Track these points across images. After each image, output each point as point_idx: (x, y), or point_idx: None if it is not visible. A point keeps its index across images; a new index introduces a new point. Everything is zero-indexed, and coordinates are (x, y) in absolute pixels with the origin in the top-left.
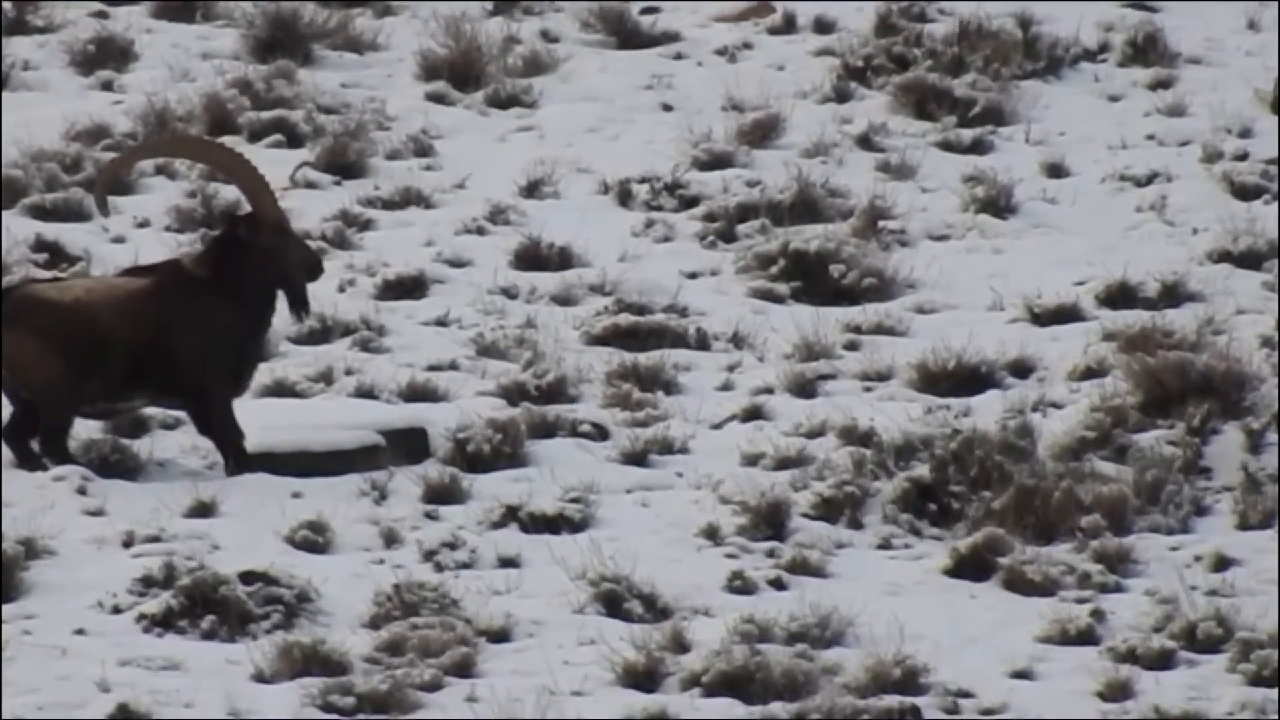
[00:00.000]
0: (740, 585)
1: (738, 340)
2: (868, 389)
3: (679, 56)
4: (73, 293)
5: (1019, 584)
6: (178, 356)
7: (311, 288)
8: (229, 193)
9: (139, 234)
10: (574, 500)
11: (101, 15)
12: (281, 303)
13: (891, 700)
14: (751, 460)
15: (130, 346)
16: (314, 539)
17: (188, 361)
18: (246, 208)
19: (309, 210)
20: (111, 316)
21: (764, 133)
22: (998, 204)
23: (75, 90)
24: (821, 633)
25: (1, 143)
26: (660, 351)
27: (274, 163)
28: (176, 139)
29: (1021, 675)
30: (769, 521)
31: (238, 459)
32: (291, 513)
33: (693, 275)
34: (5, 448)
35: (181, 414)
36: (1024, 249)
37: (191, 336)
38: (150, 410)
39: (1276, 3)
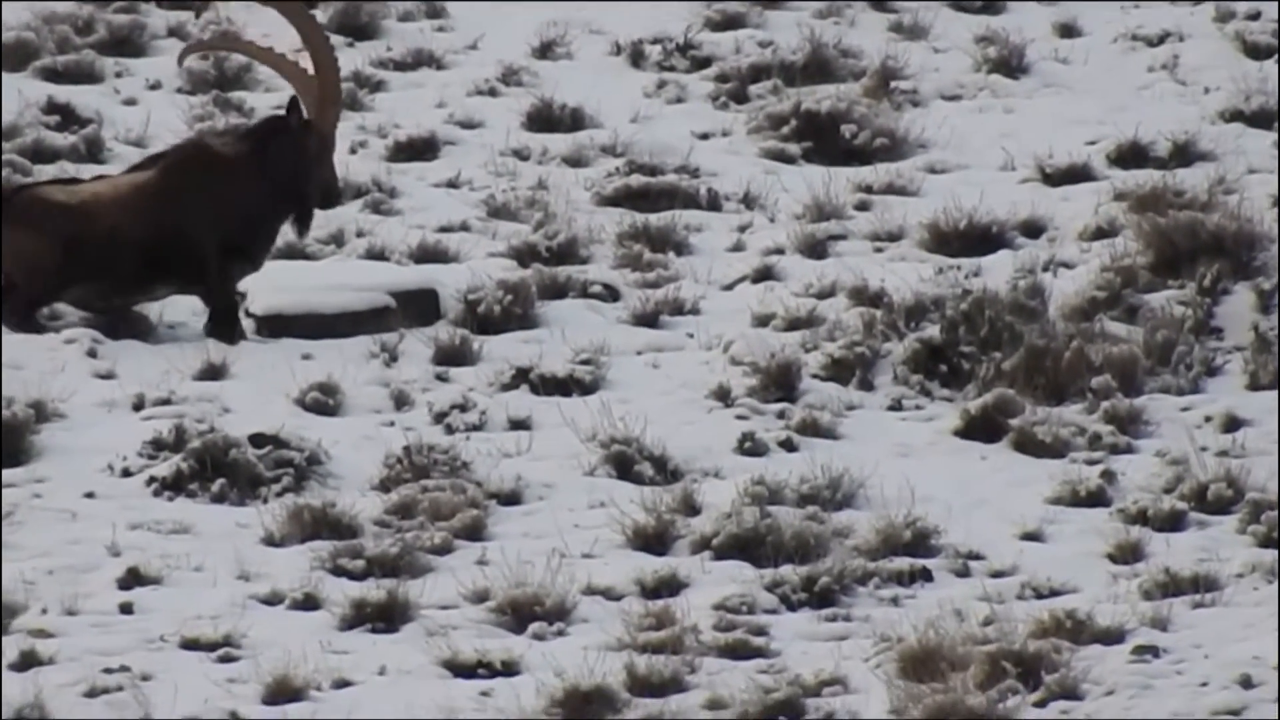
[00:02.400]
0: (751, 447)
1: (749, 201)
2: (878, 249)
3: None
4: (80, 195)
5: (1029, 445)
6: (191, 237)
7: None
8: (240, 55)
9: (151, 96)
10: (584, 362)
11: None
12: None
13: (902, 562)
14: (762, 321)
15: (141, 243)
16: (324, 401)
17: (201, 238)
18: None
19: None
20: (120, 216)
21: None
22: (1009, 64)
23: None
24: (832, 495)
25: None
26: (671, 212)
27: (287, 25)
28: (298, 13)
29: (1032, 537)
30: (779, 383)
31: (232, 334)
32: (302, 375)
33: (704, 136)
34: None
35: None
36: (1036, 109)
37: (207, 212)
38: None
39: None
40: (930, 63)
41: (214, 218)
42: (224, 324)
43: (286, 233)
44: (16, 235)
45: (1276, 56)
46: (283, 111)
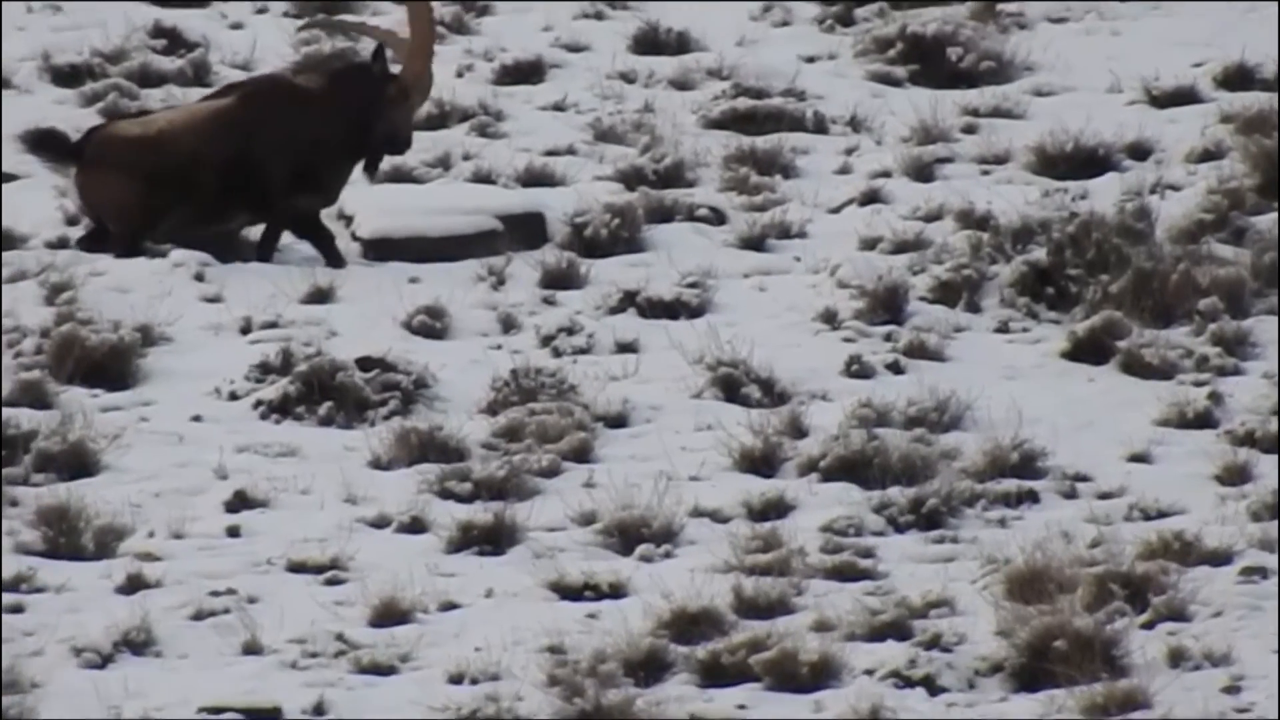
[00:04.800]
0: (858, 369)
1: (855, 124)
2: (985, 172)
3: None
4: (156, 125)
5: (1136, 367)
6: (264, 165)
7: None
8: None
9: (257, 20)
10: (691, 285)
11: None
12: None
13: (1009, 484)
14: (869, 244)
15: (218, 170)
16: (431, 324)
17: (273, 167)
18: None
19: None
20: (196, 141)
21: None
22: None
23: None
24: (939, 417)
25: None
26: (777, 135)
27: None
28: None
29: (1139, 459)
30: (886, 305)
31: (335, 257)
32: (409, 298)
33: (810, 59)
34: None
35: None
36: (1142, 30)
37: (280, 142)
38: None
39: None
40: None
41: (287, 148)
42: (268, 240)
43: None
44: (97, 176)
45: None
46: (360, 59)
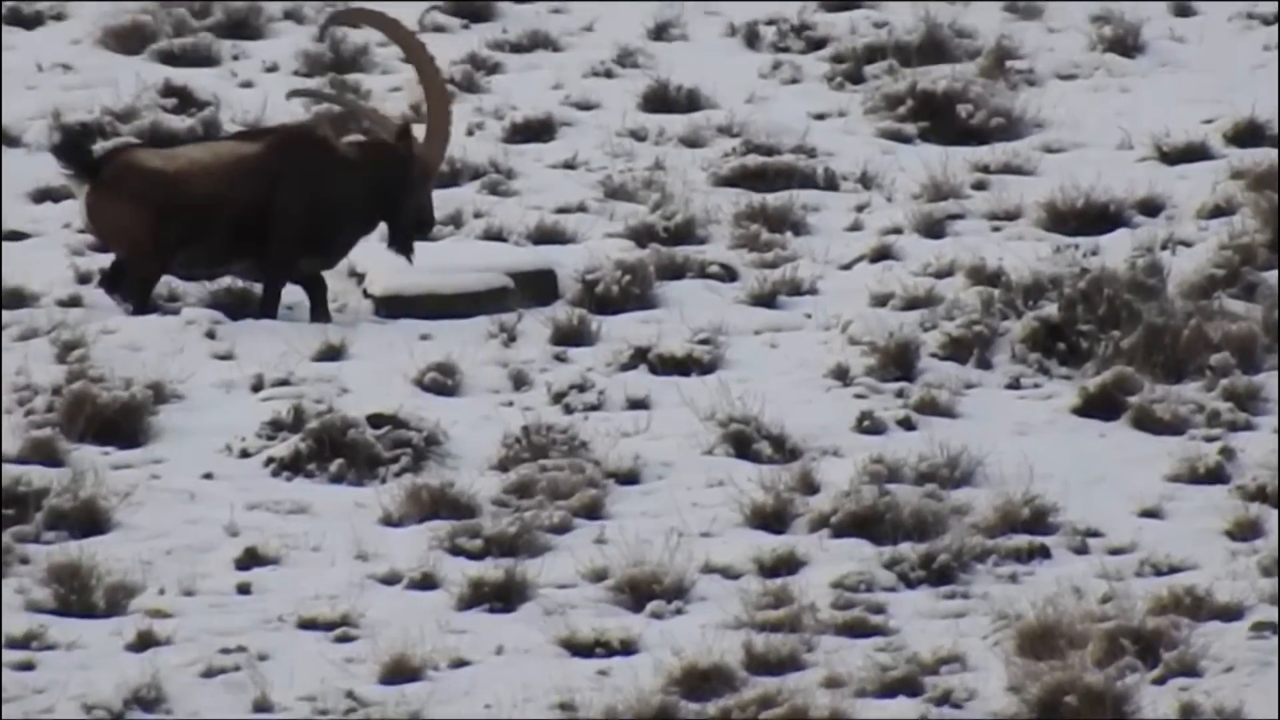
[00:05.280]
0: (869, 425)
1: (866, 180)
2: (996, 228)
3: None
4: (178, 161)
5: (1148, 422)
6: (282, 218)
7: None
8: (356, 37)
9: (267, 78)
10: (702, 341)
11: None
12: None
13: (1020, 539)
14: (880, 300)
15: (233, 213)
16: (443, 381)
17: (288, 219)
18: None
19: (437, 54)
20: (216, 184)
21: None
22: (1125, 43)
23: None
24: (950, 472)
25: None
26: (788, 192)
27: (402, 7)
28: (417, 49)
29: (1150, 514)
30: (898, 361)
31: (323, 311)
32: (420, 355)
33: (820, 116)
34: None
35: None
36: (1152, 87)
37: (303, 195)
38: None
39: None
40: (1046, 42)
41: (306, 204)
42: (268, 299)
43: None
44: (112, 205)
45: (1277, 64)
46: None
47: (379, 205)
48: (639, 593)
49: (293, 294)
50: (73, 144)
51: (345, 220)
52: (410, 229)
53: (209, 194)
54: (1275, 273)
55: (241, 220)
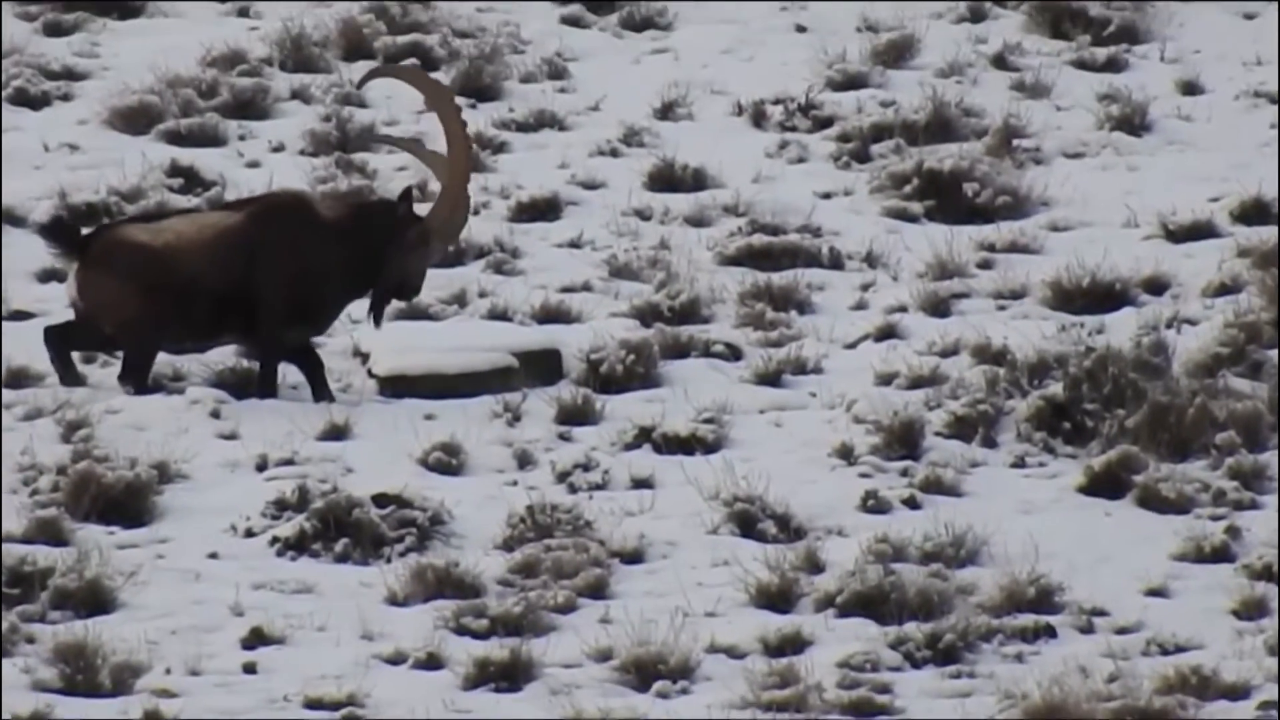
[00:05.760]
0: (874, 505)
1: (871, 259)
2: (1001, 307)
3: None
4: (164, 236)
5: (1153, 501)
6: (265, 288)
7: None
8: (362, 117)
9: (274, 158)
10: (707, 421)
11: None
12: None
13: (1026, 619)
14: (885, 379)
15: (218, 286)
16: (447, 461)
17: (272, 289)
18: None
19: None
20: (200, 260)
21: (898, 53)
22: (1132, 121)
23: (211, 16)
24: (956, 552)
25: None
26: (794, 271)
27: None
28: (450, 111)
29: (1156, 593)
30: (903, 440)
31: (323, 388)
32: (425, 435)
33: (826, 195)
34: (45, 348)
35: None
36: (1158, 166)
37: (284, 265)
38: None
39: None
40: (1052, 121)
41: (288, 273)
42: (266, 378)
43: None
44: (97, 277)
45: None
46: (388, 199)
47: (369, 269)
48: (644, 673)
49: (296, 373)
50: (59, 222)
51: (331, 286)
52: (390, 292)
53: (194, 267)
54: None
55: (226, 293)
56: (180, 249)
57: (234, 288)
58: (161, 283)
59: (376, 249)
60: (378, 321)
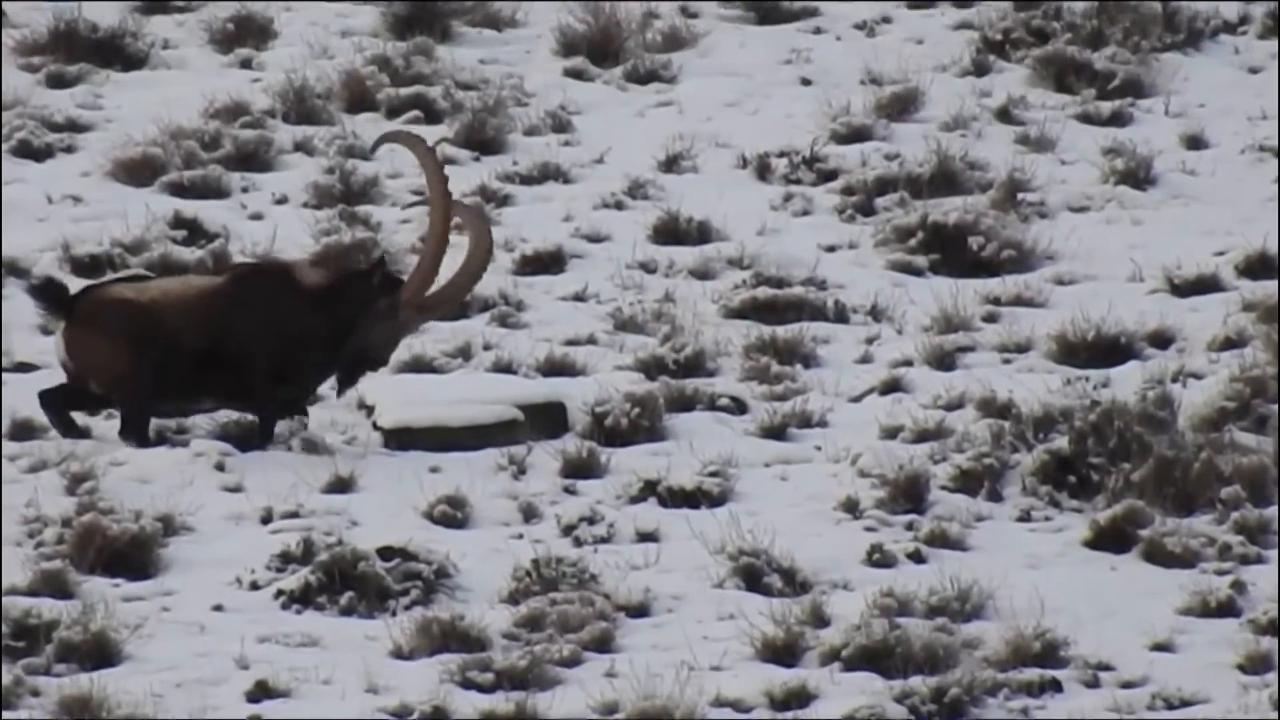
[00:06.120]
0: (879, 558)
1: (876, 313)
2: (1007, 361)
3: (818, 31)
4: (149, 293)
5: (1159, 556)
6: (245, 352)
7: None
8: (366, 169)
9: (277, 211)
10: (712, 474)
11: None
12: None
13: (1032, 673)
14: (890, 433)
15: (199, 350)
16: (452, 514)
17: (252, 355)
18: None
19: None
20: (183, 317)
21: (903, 106)
22: (1137, 175)
23: (214, 68)
24: (961, 606)
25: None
26: (799, 324)
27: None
28: (438, 187)
29: (1162, 647)
30: (908, 494)
31: (268, 434)
32: (430, 488)
33: (831, 249)
34: (43, 410)
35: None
36: (1163, 220)
37: (261, 330)
38: None
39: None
40: (1057, 174)
41: (265, 338)
42: (264, 434)
43: (412, 345)
44: (83, 336)
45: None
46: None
47: (344, 337)
48: None
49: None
50: (48, 283)
51: (309, 352)
52: (353, 360)
53: (179, 325)
54: None
55: (209, 353)
56: (164, 306)
57: (215, 348)
58: (146, 338)
59: (352, 317)
60: (340, 390)
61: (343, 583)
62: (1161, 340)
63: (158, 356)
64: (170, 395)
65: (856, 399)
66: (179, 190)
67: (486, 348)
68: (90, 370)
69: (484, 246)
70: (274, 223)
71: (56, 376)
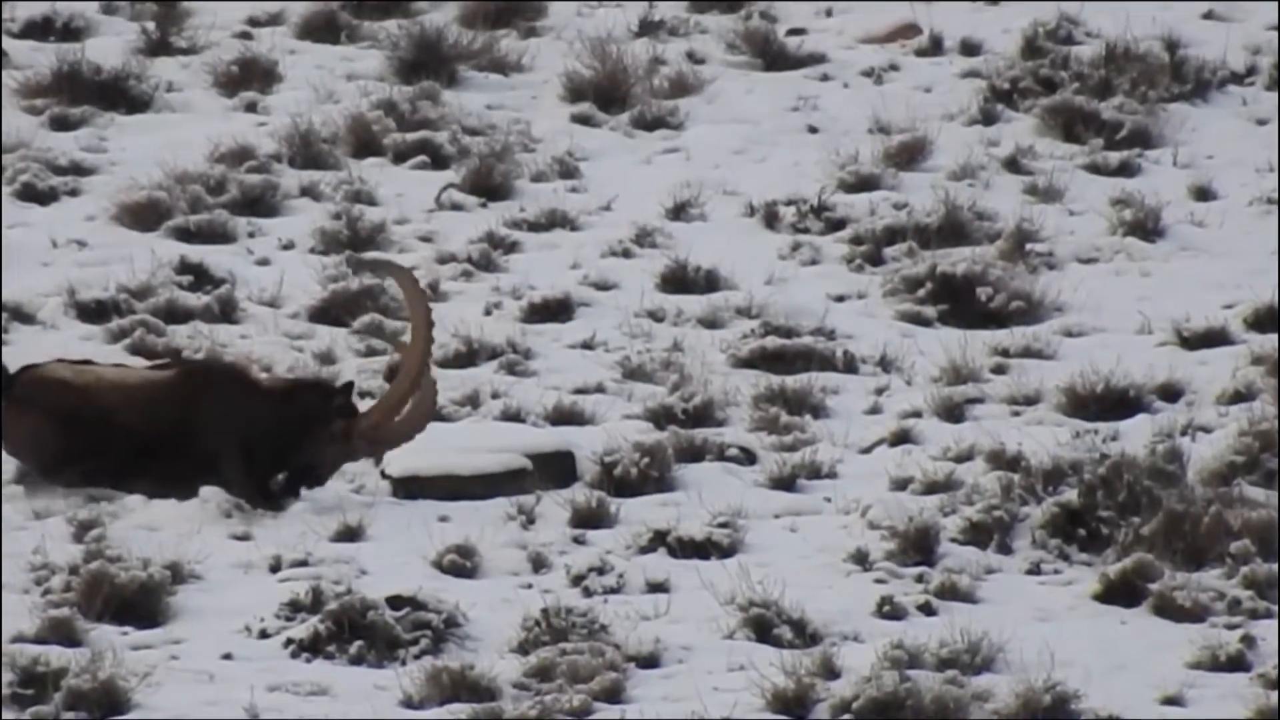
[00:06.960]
0: (889, 611)
1: (885, 363)
2: (1016, 413)
3: (825, 78)
4: (87, 377)
5: (1169, 610)
6: (211, 447)
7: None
8: (373, 215)
9: (283, 256)
10: (722, 525)
11: (245, 36)
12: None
13: None
14: (900, 484)
15: (136, 434)
16: (461, 563)
17: (224, 448)
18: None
19: (454, 232)
20: (118, 401)
21: (911, 155)
22: (1145, 226)
23: (219, 111)
24: (971, 659)
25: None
26: (807, 375)
27: (419, 184)
28: (421, 319)
29: (1172, 701)
30: (918, 546)
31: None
32: (438, 537)
33: (840, 298)
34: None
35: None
36: (1172, 272)
37: (218, 424)
38: None
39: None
40: (1066, 225)
41: (224, 434)
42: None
43: None
44: (16, 413)
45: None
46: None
47: (291, 447)
48: None
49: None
50: None
51: (264, 452)
52: (296, 473)
53: (108, 409)
54: None
55: (144, 446)
56: (100, 390)
57: (151, 434)
58: (77, 416)
59: (303, 428)
60: (281, 500)
61: (352, 632)
62: (1170, 393)
63: (86, 437)
64: (104, 478)
65: (866, 450)
66: (184, 235)
67: (495, 396)
68: (17, 444)
69: (432, 385)
70: (281, 268)
71: None
